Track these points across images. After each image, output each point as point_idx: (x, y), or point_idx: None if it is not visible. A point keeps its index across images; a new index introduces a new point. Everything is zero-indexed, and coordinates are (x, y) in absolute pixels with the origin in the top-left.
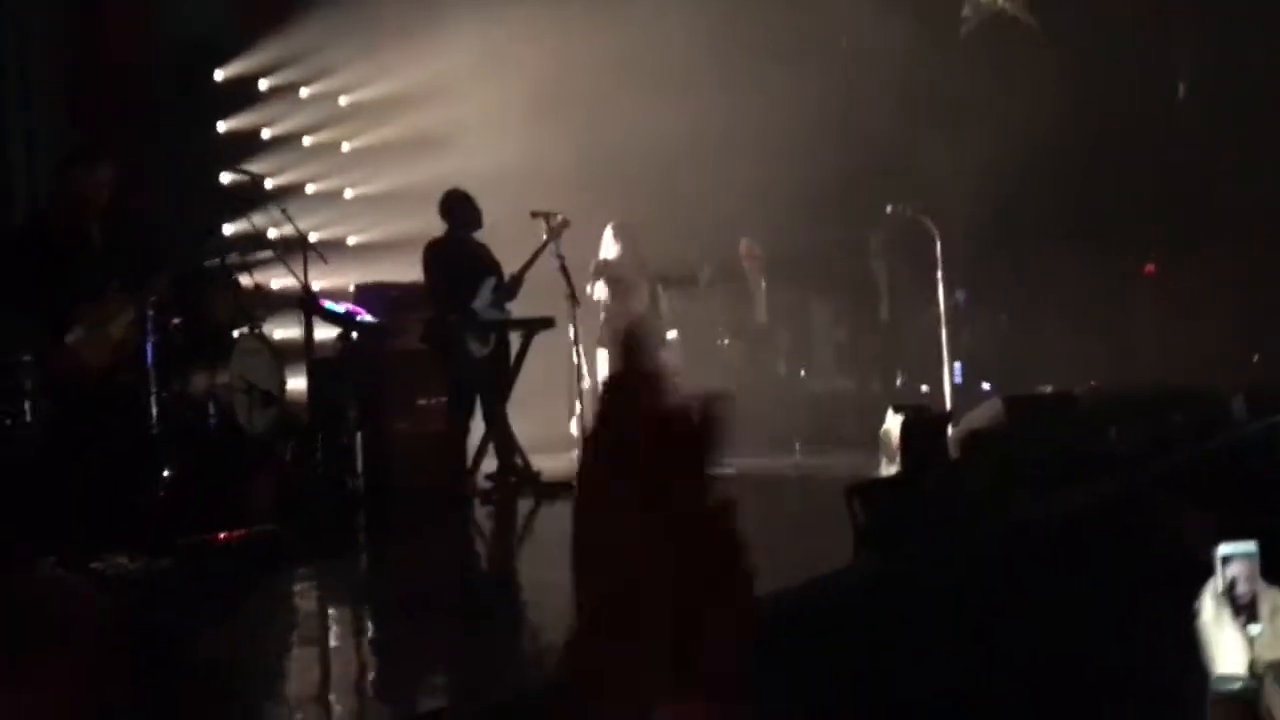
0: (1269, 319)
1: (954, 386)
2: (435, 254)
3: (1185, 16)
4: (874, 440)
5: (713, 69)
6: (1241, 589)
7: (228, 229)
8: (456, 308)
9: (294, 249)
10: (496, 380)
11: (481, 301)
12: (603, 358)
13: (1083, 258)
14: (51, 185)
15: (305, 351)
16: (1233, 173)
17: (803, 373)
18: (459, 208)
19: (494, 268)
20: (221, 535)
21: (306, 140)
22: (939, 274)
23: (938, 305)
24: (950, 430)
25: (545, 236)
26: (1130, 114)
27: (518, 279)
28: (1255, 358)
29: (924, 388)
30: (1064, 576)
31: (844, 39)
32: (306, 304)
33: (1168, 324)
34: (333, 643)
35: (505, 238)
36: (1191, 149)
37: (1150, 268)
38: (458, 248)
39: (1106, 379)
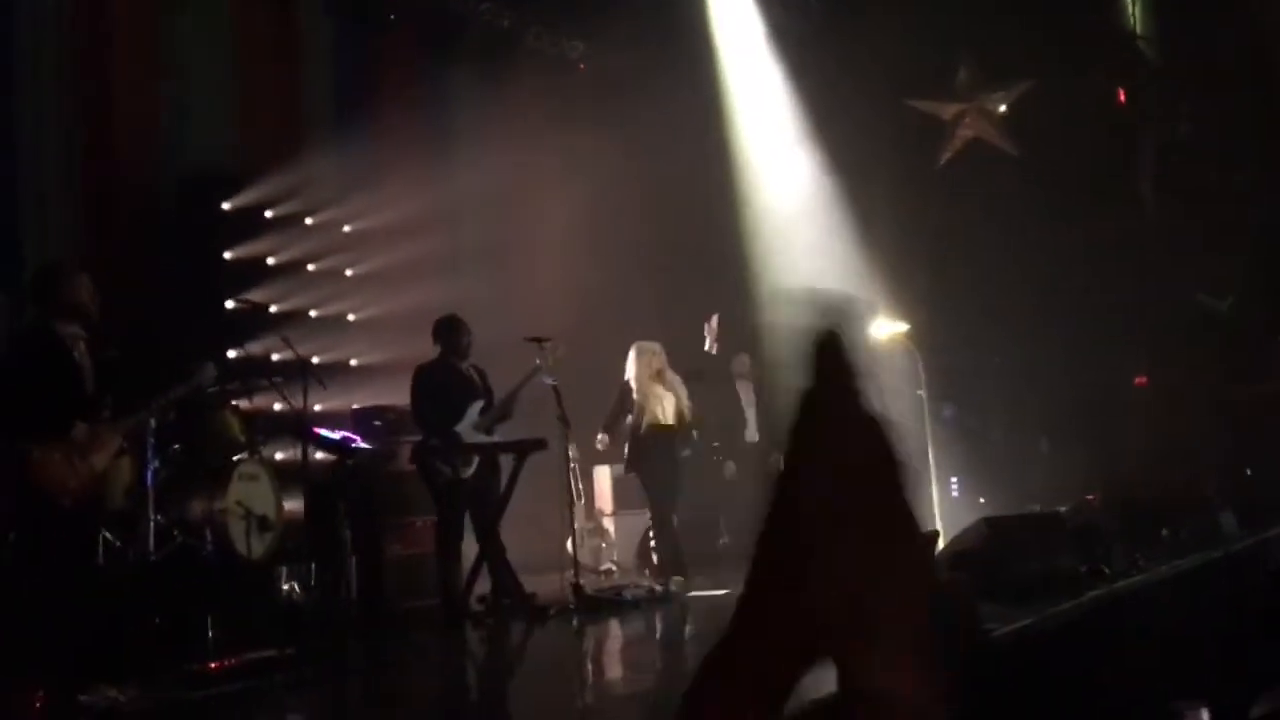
0: (1257, 430)
1: (950, 502)
2: (422, 378)
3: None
4: None
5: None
6: None
7: (231, 355)
8: (439, 431)
9: (295, 374)
10: (486, 502)
11: (466, 424)
12: (603, 473)
13: (1075, 371)
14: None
15: (302, 476)
16: (1211, 284)
17: None
18: (449, 333)
19: (484, 391)
20: (213, 664)
21: (310, 267)
22: (922, 392)
23: (924, 423)
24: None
25: (538, 361)
26: (1108, 228)
27: (507, 402)
28: (1248, 472)
29: (920, 505)
30: (1044, 697)
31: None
32: (303, 432)
33: (1161, 436)
34: None
35: (501, 363)
36: (1174, 263)
37: (1142, 379)
38: (446, 373)
39: (1103, 492)
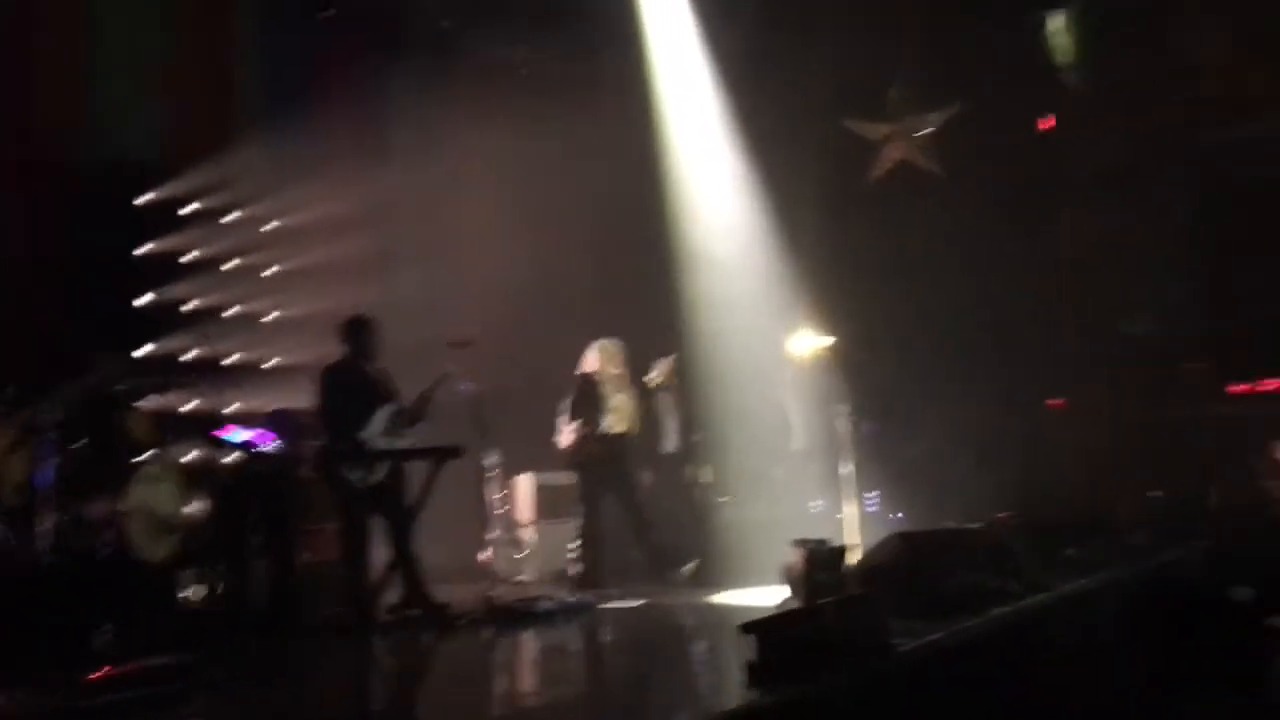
0: (1169, 454)
1: (866, 517)
2: (330, 379)
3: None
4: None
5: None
6: None
7: (140, 353)
8: (343, 436)
9: (207, 373)
10: (395, 509)
11: (375, 429)
12: (526, 481)
13: (995, 391)
14: None
15: (207, 478)
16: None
17: (724, 500)
18: (358, 334)
19: (393, 395)
20: (104, 671)
21: (227, 265)
22: (843, 407)
23: (840, 438)
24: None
25: (451, 367)
26: (1031, 252)
27: (419, 406)
28: (1159, 493)
29: (837, 515)
30: (955, 709)
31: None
32: (206, 432)
33: (1076, 457)
34: None
35: (421, 366)
36: (1093, 288)
37: (1058, 401)
38: (354, 375)
39: (1017, 511)
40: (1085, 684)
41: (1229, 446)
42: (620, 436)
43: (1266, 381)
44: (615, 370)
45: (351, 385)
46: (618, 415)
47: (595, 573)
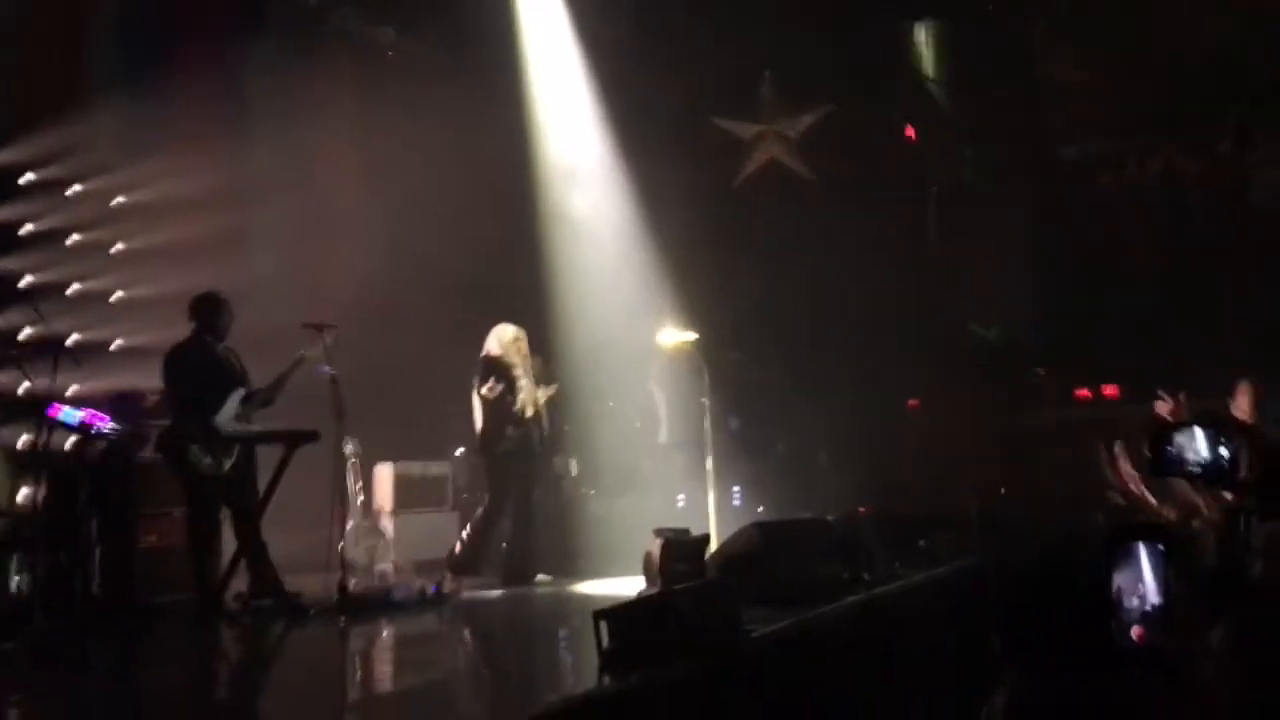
0: (1014, 457)
1: (729, 510)
2: (178, 358)
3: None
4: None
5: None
6: None
7: None
8: (195, 418)
9: (45, 351)
10: (242, 494)
11: (226, 414)
12: (386, 470)
13: (855, 390)
14: None
15: (39, 460)
16: (981, 316)
17: (591, 492)
18: (211, 312)
19: (243, 377)
20: None
21: (72, 239)
22: (706, 401)
23: (704, 432)
24: (709, 553)
25: (303, 351)
26: (892, 255)
27: (272, 389)
28: (1002, 490)
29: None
30: (805, 693)
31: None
32: (38, 412)
33: (928, 455)
34: None
35: (277, 348)
36: (943, 293)
37: (914, 402)
38: (204, 354)
39: (874, 505)
40: (933, 670)
41: (1073, 448)
42: (530, 421)
43: (1107, 387)
44: (523, 352)
45: (201, 365)
46: (527, 399)
47: (474, 560)
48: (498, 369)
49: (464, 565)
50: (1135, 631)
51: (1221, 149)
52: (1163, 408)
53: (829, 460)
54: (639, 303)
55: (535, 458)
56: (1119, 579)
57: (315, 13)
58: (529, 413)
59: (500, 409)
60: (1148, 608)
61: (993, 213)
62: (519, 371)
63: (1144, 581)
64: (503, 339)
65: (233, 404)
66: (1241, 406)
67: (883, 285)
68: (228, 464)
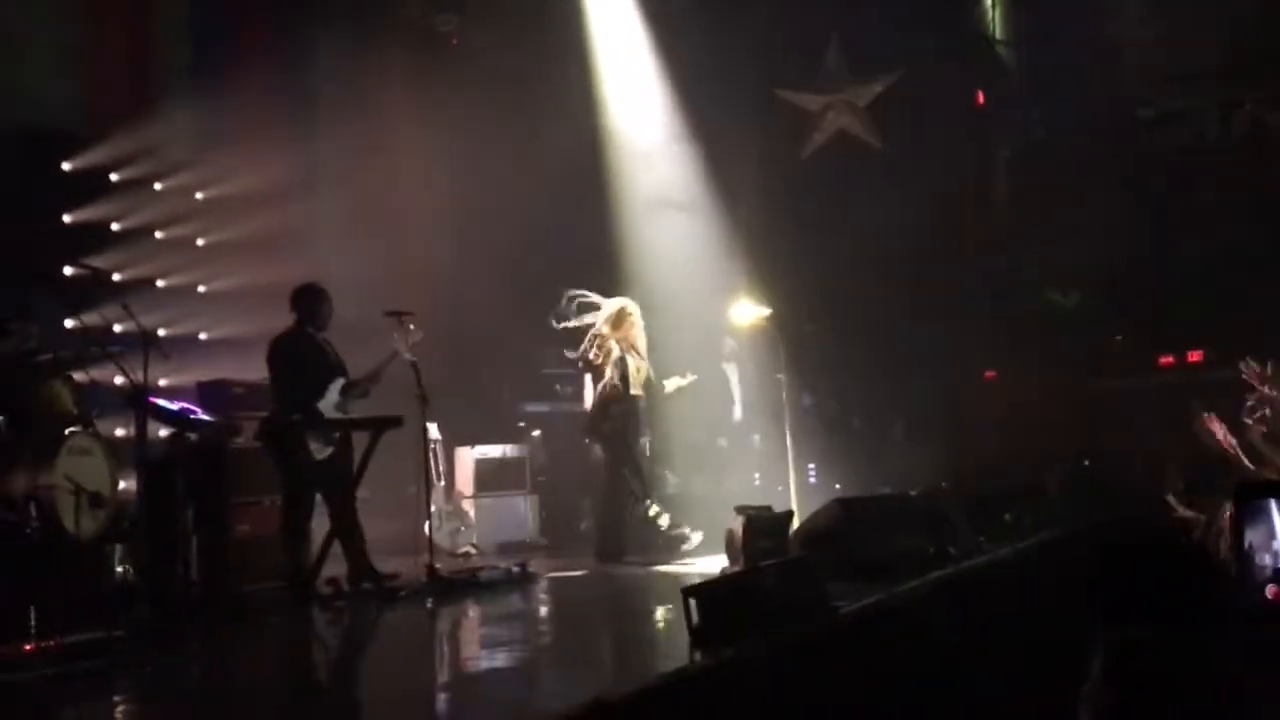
0: (1096, 424)
1: (807, 487)
2: (283, 348)
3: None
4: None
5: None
6: None
7: (68, 323)
8: (301, 406)
9: (137, 345)
10: (340, 481)
11: (328, 401)
12: (467, 454)
13: (930, 362)
14: None
15: (138, 450)
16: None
17: (668, 473)
18: (312, 303)
19: (341, 367)
20: (28, 646)
21: (159, 234)
22: (783, 377)
23: (782, 407)
24: (792, 530)
25: (397, 345)
26: (965, 224)
27: (371, 379)
28: (1085, 461)
29: (780, 487)
30: (894, 668)
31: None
32: (138, 401)
33: (1009, 426)
34: None
35: (358, 338)
36: (1020, 261)
37: (991, 374)
38: (307, 344)
39: (953, 479)
40: (1025, 643)
41: (1158, 415)
42: (637, 399)
43: (1192, 353)
44: (627, 330)
45: (304, 355)
46: (637, 376)
47: (619, 543)
48: (604, 346)
49: (610, 553)
50: (1271, 590)
51: None
52: (1249, 374)
53: (905, 434)
54: (710, 280)
55: (632, 437)
56: (1250, 535)
57: (379, 2)
58: (639, 388)
59: (604, 388)
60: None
61: (1069, 176)
62: (626, 354)
63: (1276, 538)
64: (616, 315)
65: (333, 393)
66: None
67: (956, 254)
68: (329, 452)
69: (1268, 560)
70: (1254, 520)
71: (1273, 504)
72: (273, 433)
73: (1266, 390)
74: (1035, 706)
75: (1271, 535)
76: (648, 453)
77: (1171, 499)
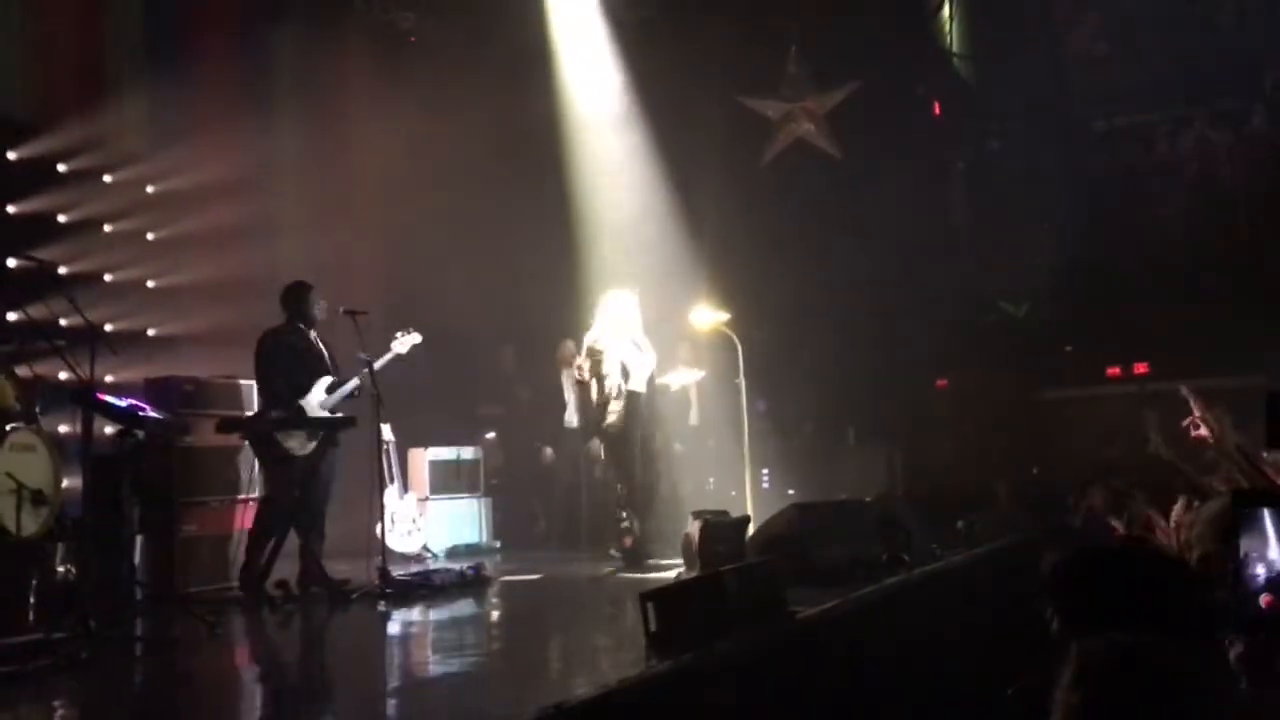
0: (1045, 434)
1: (761, 492)
2: (271, 344)
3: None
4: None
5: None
6: None
7: (10, 317)
8: (286, 403)
9: (82, 340)
10: (319, 481)
11: (313, 399)
12: (419, 456)
13: (883, 370)
14: None
15: (83, 447)
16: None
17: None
18: (299, 300)
19: (330, 365)
20: None
21: (108, 227)
22: (741, 383)
23: (740, 412)
24: (748, 535)
25: (358, 335)
26: (916, 237)
27: (359, 385)
28: (1034, 470)
29: (733, 492)
30: (847, 671)
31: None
32: (83, 397)
33: (960, 434)
34: None
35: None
36: (972, 271)
37: (943, 382)
38: (298, 340)
39: (906, 486)
40: (981, 649)
41: (1104, 425)
42: (637, 395)
43: (1139, 364)
44: (614, 323)
45: (295, 351)
46: (640, 373)
47: (645, 542)
48: (589, 349)
49: (636, 558)
50: (1264, 600)
51: (1254, 121)
52: (1189, 392)
53: (856, 440)
54: (667, 285)
55: (634, 433)
56: (1245, 544)
57: None
58: (634, 386)
59: (593, 388)
60: (1274, 573)
61: (1021, 188)
62: (626, 348)
63: (1270, 547)
64: (599, 310)
65: (319, 391)
66: None
67: (910, 263)
68: (310, 447)
69: (1261, 570)
70: (1249, 529)
71: (1267, 513)
72: (257, 427)
73: (1199, 413)
74: (989, 711)
75: (1266, 544)
76: (600, 456)
77: (1113, 521)
